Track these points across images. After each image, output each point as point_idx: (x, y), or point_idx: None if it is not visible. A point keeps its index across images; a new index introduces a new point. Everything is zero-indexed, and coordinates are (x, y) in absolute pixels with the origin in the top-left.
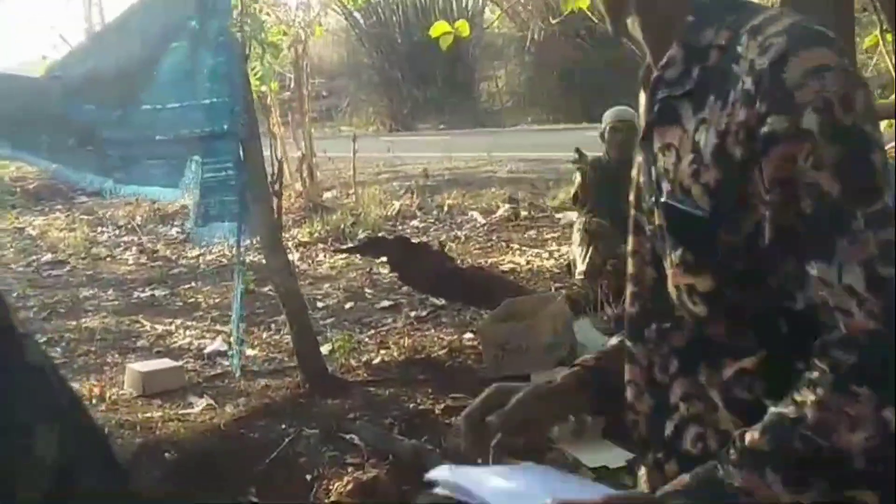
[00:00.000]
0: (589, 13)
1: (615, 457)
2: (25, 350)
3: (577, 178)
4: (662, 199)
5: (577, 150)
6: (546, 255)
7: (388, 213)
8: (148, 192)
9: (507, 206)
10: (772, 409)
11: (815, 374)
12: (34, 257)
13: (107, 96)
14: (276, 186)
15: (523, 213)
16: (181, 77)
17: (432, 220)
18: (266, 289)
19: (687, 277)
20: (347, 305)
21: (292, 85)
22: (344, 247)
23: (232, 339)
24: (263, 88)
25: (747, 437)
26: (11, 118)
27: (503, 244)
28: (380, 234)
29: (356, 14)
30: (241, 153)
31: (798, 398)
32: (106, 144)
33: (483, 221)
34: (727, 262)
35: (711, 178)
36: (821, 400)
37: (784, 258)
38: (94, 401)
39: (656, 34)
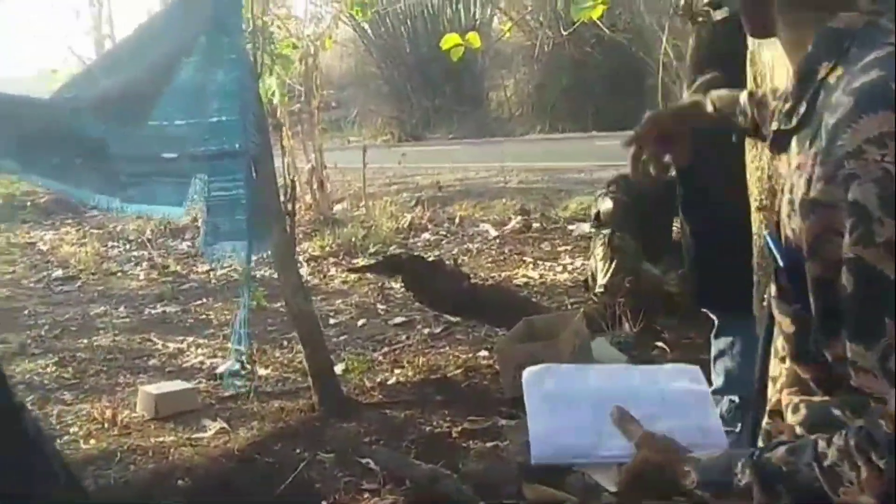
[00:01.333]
0: (598, 23)
1: None
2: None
3: (608, 204)
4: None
5: (617, 181)
6: (559, 268)
7: (400, 226)
8: (154, 210)
9: (518, 217)
10: (814, 435)
11: (856, 422)
12: (45, 273)
13: (117, 115)
14: (289, 206)
15: (535, 225)
16: (191, 95)
17: (444, 233)
18: (278, 305)
19: (778, 311)
20: (360, 322)
21: (302, 97)
22: (357, 265)
23: (230, 361)
24: (274, 101)
25: (778, 449)
26: (23, 139)
27: (516, 257)
28: (392, 249)
29: (365, 25)
30: (253, 171)
31: (835, 436)
32: (114, 163)
33: (495, 234)
34: (798, 313)
35: (795, 226)
36: (843, 449)
37: (830, 333)
38: (105, 424)
39: (794, 41)
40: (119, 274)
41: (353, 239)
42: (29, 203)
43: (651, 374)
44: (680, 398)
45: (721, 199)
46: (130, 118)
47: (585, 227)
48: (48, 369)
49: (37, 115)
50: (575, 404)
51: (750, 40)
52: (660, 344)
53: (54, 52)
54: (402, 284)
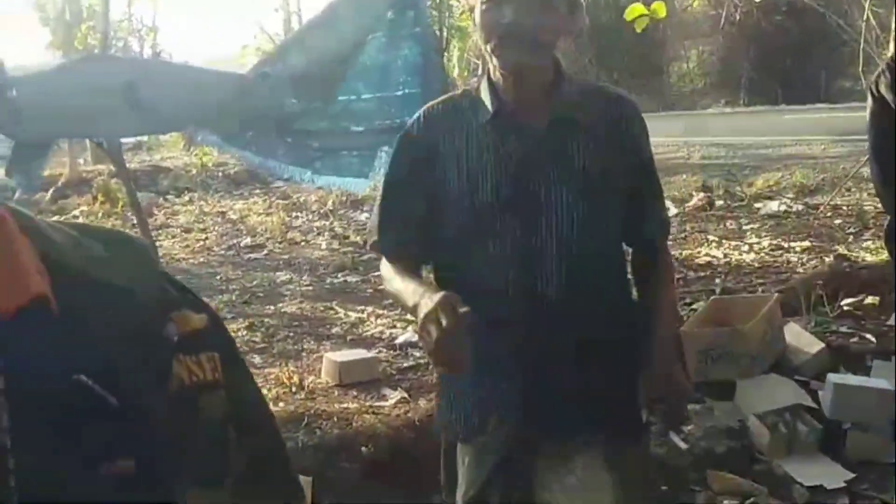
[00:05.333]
0: None
1: (833, 475)
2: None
3: None
4: None
5: None
6: (745, 248)
7: None
8: (342, 182)
9: (701, 194)
10: None
11: None
12: (235, 240)
13: (308, 92)
14: None
15: (719, 202)
16: (378, 70)
17: None
18: None
19: None
20: None
21: (478, 70)
22: None
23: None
24: (454, 74)
25: None
26: (222, 112)
27: (698, 235)
28: None
29: None
30: None
31: None
32: (305, 136)
33: (676, 210)
34: None
35: None
36: None
37: None
38: (293, 388)
39: None
40: (303, 243)
41: None
42: (220, 174)
43: None
44: None
45: None
46: (321, 95)
47: (774, 206)
48: (239, 333)
49: (235, 90)
50: None
51: None
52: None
53: (246, 31)
54: None
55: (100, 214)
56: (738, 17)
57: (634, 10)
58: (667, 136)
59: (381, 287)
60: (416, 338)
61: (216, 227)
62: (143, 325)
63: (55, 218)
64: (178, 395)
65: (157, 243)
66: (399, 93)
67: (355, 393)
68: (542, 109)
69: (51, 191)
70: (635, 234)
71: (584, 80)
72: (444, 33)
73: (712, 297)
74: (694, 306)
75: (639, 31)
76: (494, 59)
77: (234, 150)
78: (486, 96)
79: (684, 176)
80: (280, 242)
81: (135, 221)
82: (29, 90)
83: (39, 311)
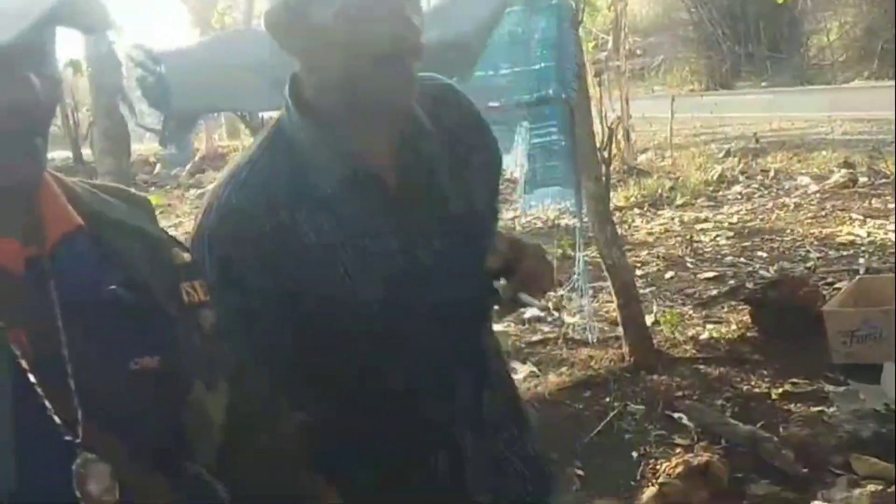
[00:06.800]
0: None
1: None
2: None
3: None
4: None
5: None
6: (892, 226)
7: (709, 178)
8: None
9: (842, 171)
10: None
11: None
12: None
13: (445, 64)
14: (605, 153)
15: (862, 180)
16: (515, 43)
17: (756, 186)
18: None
19: None
20: (668, 275)
21: (608, 44)
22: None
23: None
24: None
25: None
26: None
27: (840, 213)
28: (700, 202)
29: None
30: (572, 119)
31: None
32: None
33: (815, 188)
34: None
35: None
36: None
37: None
38: None
39: None
40: None
41: (660, 190)
42: None
43: None
44: None
45: None
46: (458, 70)
47: None
48: None
49: None
50: None
51: None
52: None
53: None
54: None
55: None
56: None
57: None
58: (802, 111)
59: None
60: (542, 313)
61: None
62: (156, 253)
63: (193, 191)
64: (182, 311)
65: None
66: (536, 66)
67: None
68: (391, 151)
69: (188, 165)
70: None
71: None
72: (581, 5)
73: (858, 277)
74: (837, 286)
75: (780, 1)
76: (328, 94)
77: None
78: (315, 144)
79: (825, 152)
80: None
81: None
82: (176, 65)
83: (80, 237)
